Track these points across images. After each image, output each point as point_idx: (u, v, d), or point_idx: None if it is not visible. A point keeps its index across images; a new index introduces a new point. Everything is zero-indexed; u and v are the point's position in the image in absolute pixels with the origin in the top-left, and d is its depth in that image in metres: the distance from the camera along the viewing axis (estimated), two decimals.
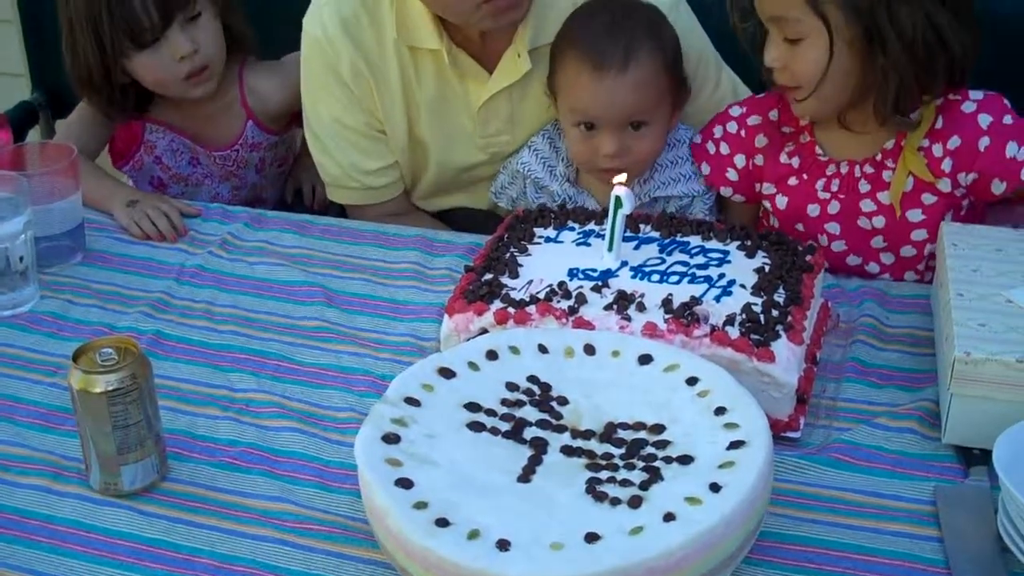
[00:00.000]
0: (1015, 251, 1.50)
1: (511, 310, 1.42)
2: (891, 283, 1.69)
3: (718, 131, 1.80)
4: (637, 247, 1.54)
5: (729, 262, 1.50)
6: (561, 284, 1.45)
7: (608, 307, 1.41)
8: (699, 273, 1.47)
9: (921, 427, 1.37)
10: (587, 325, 1.39)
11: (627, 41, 1.71)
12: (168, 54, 1.98)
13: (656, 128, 1.77)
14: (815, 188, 1.72)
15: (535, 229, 1.60)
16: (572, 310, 1.41)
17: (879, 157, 1.68)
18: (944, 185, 1.64)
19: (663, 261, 1.51)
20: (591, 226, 1.60)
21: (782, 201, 1.74)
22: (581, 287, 1.44)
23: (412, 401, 1.25)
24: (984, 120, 1.63)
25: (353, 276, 1.74)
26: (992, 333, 1.33)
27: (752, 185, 1.79)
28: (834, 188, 1.71)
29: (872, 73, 1.58)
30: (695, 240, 1.56)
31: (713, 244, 1.55)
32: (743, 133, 1.77)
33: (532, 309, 1.42)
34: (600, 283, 1.45)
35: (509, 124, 1.93)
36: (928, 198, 1.65)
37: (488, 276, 1.49)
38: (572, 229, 1.60)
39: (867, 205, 1.69)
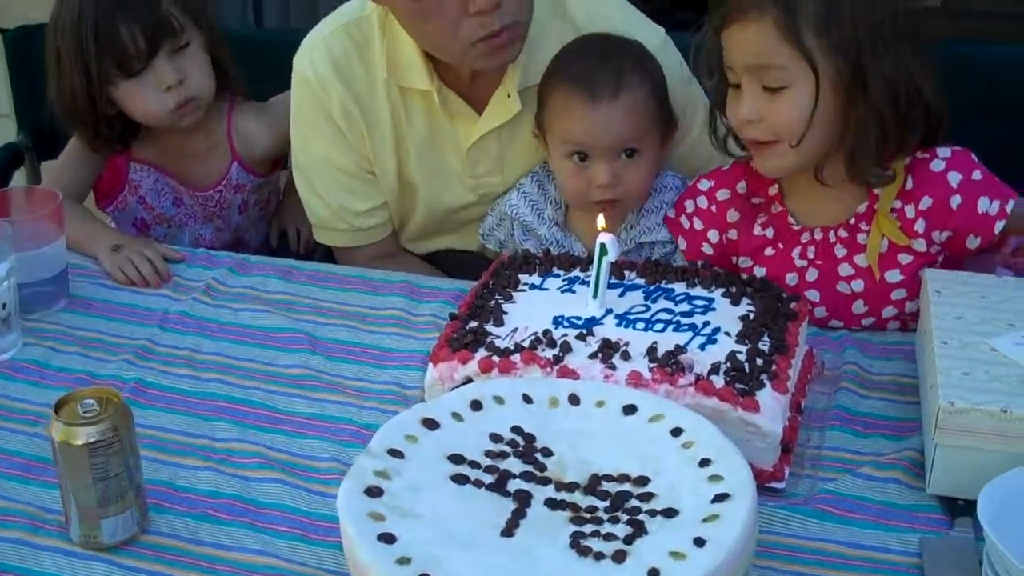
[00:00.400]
0: (998, 298, 1.50)
1: (496, 359, 1.41)
2: (875, 331, 1.69)
3: (689, 206, 1.79)
4: (622, 294, 1.54)
5: (714, 309, 1.50)
6: (546, 332, 1.45)
7: (593, 356, 1.41)
8: (684, 321, 1.47)
9: (906, 477, 1.37)
10: (572, 374, 1.39)
11: (616, 70, 1.75)
12: (154, 83, 1.98)
13: (647, 158, 1.79)
14: (791, 256, 1.70)
15: (520, 276, 1.60)
16: (557, 359, 1.41)
17: (852, 221, 1.66)
18: (919, 245, 1.63)
19: (648, 308, 1.50)
20: (576, 273, 1.60)
21: (760, 272, 1.72)
22: (566, 335, 1.44)
23: (395, 453, 1.24)
24: (954, 178, 1.62)
25: (338, 323, 1.74)
26: (976, 382, 1.32)
27: (728, 258, 1.78)
28: (811, 255, 1.69)
29: (851, 124, 1.56)
30: (680, 287, 1.56)
31: (698, 291, 1.54)
32: (714, 208, 1.76)
33: (517, 358, 1.41)
34: (585, 331, 1.45)
35: (498, 165, 1.93)
36: (904, 258, 1.64)
37: (473, 324, 1.49)
38: (557, 276, 1.60)
39: (845, 269, 1.67)
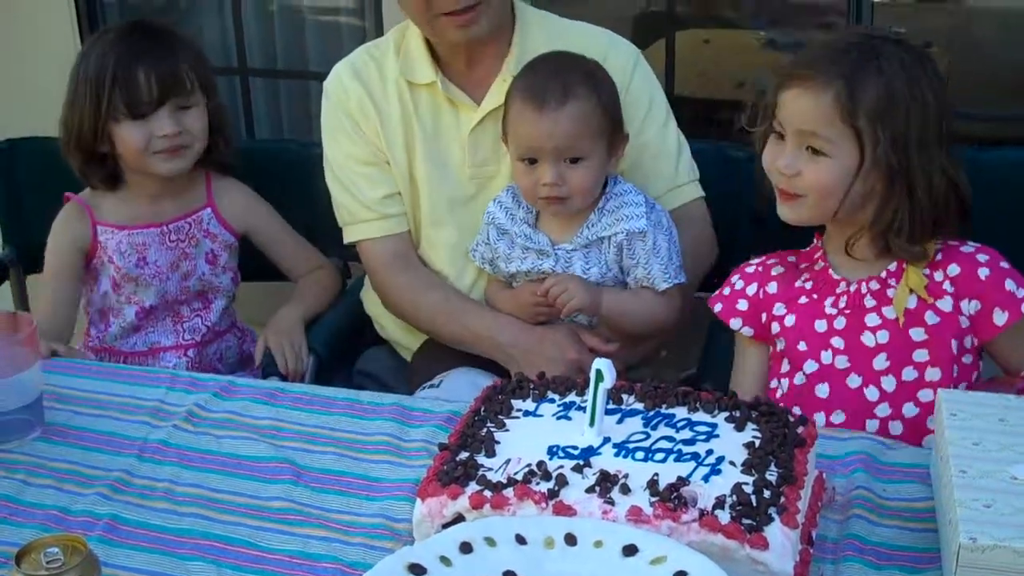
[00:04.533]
0: (1018, 421, 1.42)
1: (488, 493, 1.34)
2: (884, 448, 1.61)
3: (737, 281, 1.89)
4: (620, 420, 1.47)
5: (717, 436, 1.43)
6: (540, 464, 1.37)
7: (591, 489, 1.33)
8: (686, 450, 1.40)
9: None
10: (568, 510, 1.31)
11: (565, 82, 1.93)
12: (153, 130, 2.18)
13: (592, 163, 1.95)
14: (823, 305, 1.79)
15: (513, 401, 1.53)
16: (552, 493, 1.33)
17: (884, 275, 1.75)
18: (945, 304, 1.69)
19: (648, 436, 1.43)
20: (572, 397, 1.53)
21: (790, 319, 1.81)
22: (562, 467, 1.37)
23: None
24: (982, 257, 1.72)
25: (324, 450, 1.66)
26: (999, 516, 1.25)
27: (759, 315, 1.85)
28: (841, 305, 1.78)
29: (887, 208, 1.66)
30: (681, 412, 1.48)
31: (700, 416, 1.47)
32: (760, 269, 1.88)
33: (510, 492, 1.33)
34: (582, 462, 1.37)
35: (496, 154, 2.12)
36: (931, 317, 1.70)
37: (463, 455, 1.41)
38: (552, 401, 1.53)
39: (872, 320, 1.75)
